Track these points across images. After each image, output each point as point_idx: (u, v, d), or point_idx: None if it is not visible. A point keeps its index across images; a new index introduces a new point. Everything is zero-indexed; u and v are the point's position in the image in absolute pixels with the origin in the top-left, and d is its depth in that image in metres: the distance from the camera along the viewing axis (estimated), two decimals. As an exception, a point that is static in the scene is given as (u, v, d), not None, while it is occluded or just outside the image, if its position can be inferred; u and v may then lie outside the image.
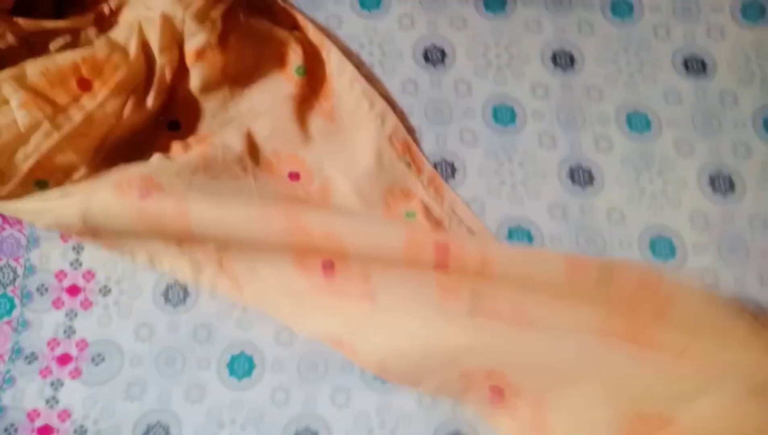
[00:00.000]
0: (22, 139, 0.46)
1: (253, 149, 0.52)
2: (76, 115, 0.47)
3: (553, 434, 0.46)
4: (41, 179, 0.48)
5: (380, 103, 0.53)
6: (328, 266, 0.49)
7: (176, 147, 0.51)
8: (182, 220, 0.46)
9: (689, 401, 0.43)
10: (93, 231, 0.48)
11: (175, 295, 0.49)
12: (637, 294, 0.47)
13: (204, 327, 0.49)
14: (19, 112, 0.45)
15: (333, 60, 0.53)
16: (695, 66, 0.53)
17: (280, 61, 0.53)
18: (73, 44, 0.50)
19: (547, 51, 0.54)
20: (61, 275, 0.50)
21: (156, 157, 0.49)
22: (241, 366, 0.48)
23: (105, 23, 0.51)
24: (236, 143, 0.51)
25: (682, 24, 0.54)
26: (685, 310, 0.46)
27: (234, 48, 0.51)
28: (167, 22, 0.49)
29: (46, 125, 0.46)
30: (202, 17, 0.49)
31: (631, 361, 0.45)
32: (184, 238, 0.48)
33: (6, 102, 0.45)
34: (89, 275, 0.50)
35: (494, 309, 0.47)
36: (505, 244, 0.50)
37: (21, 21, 0.49)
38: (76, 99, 0.47)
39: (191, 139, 0.52)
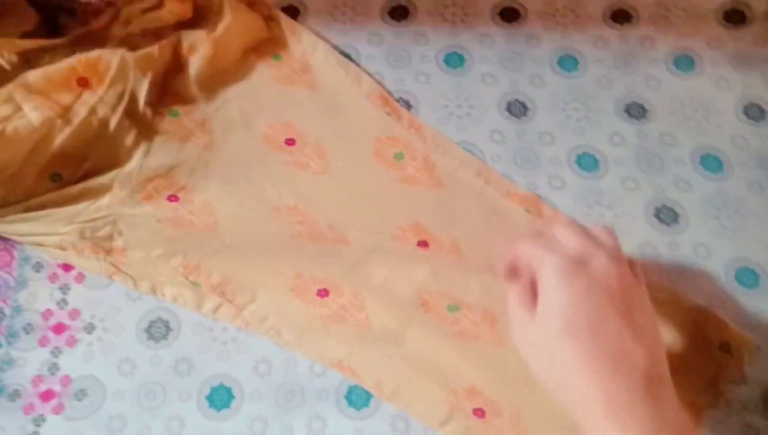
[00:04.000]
0: (37, 133, 0.50)
1: (249, 126, 0.57)
2: (81, 110, 0.52)
3: None
4: (55, 172, 0.52)
5: (354, 69, 0.59)
6: (323, 294, 0.52)
7: (177, 132, 0.56)
8: (210, 218, 0.54)
9: None
10: (106, 247, 0.52)
11: (158, 330, 0.51)
12: None
13: (185, 360, 0.51)
14: (33, 113, 0.50)
15: (305, 40, 0.60)
16: (636, 111, 0.58)
17: (259, 52, 0.60)
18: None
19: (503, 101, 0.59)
20: (47, 314, 0.52)
21: (168, 154, 0.55)
22: (220, 397, 0.50)
23: (98, 38, 0.57)
24: (234, 124, 0.57)
25: (623, 76, 0.60)
26: None
27: (221, 41, 0.56)
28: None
29: (58, 122, 0.51)
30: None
31: None
32: (210, 239, 0.53)
33: (20, 108, 0.50)
34: (75, 314, 0.52)
35: (471, 325, 0.51)
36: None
37: (20, 41, 0.54)
38: (78, 96, 0.53)
39: (189, 123, 0.57)
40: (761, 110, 0.58)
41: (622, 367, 0.37)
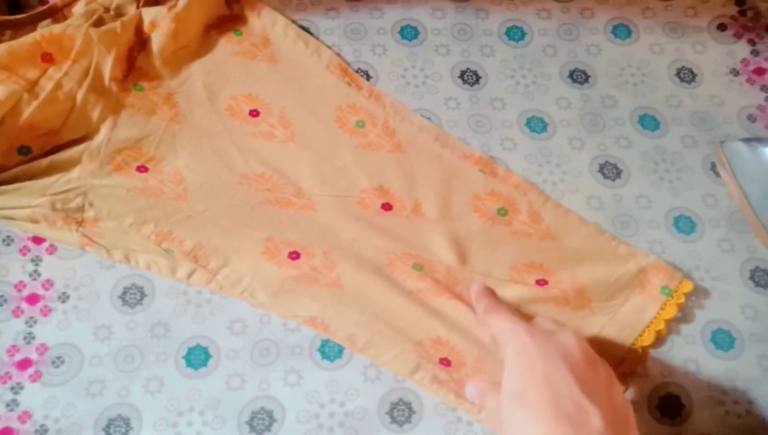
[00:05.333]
0: (4, 107, 0.51)
1: (213, 99, 0.59)
2: (48, 84, 0.53)
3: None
4: (24, 145, 0.53)
5: (313, 42, 0.62)
6: (294, 256, 0.54)
7: (143, 106, 0.57)
8: (180, 187, 0.55)
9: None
10: (77, 218, 0.53)
11: (132, 297, 0.53)
12: (524, 228, 0.56)
13: (161, 324, 0.52)
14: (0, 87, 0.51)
15: (264, 16, 0.62)
16: (579, 77, 0.63)
17: (220, 28, 0.62)
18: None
19: (456, 70, 0.63)
20: (20, 286, 0.52)
21: (135, 126, 0.56)
22: (197, 357, 0.51)
23: (59, 16, 0.58)
24: (198, 97, 0.58)
25: (566, 44, 0.64)
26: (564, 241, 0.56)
27: (182, 18, 0.58)
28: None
29: (25, 95, 0.52)
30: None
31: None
32: (181, 207, 0.55)
33: None
34: (48, 284, 0.53)
35: (434, 282, 0.54)
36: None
37: None
38: (43, 71, 0.53)
39: (155, 97, 0.58)
40: (692, 73, 0.63)
41: (579, 428, 0.38)
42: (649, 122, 0.61)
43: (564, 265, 0.55)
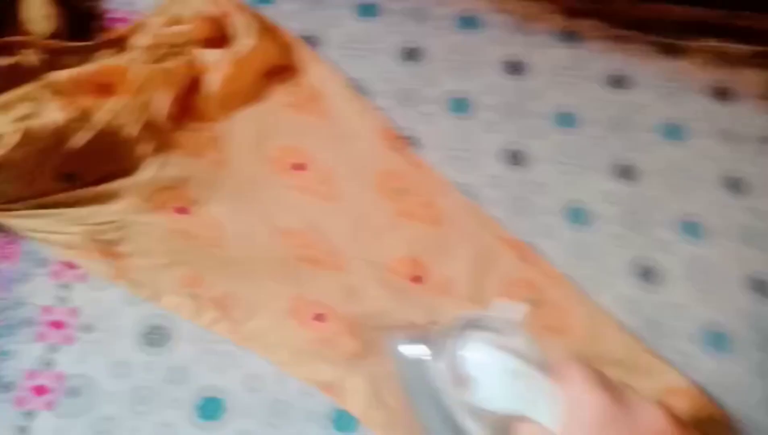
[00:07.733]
0: (57, 133, 0.52)
1: (261, 147, 0.59)
2: (103, 115, 0.54)
3: None
4: (71, 173, 0.54)
5: (365, 102, 0.62)
6: (320, 318, 0.54)
7: (192, 147, 0.58)
8: (217, 233, 0.55)
9: None
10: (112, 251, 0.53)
11: (155, 337, 0.53)
12: (555, 323, 0.55)
13: (179, 369, 0.52)
14: (55, 114, 0.52)
15: (321, 70, 0.63)
16: (627, 173, 0.62)
17: (277, 77, 0.63)
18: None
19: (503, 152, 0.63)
20: (47, 310, 0.53)
21: (181, 167, 0.57)
22: (210, 408, 0.51)
23: (119, 46, 0.59)
24: (246, 143, 0.59)
25: (617, 136, 0.64)
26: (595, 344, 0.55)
27: (242, 63, 0.59)
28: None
29: (78, 124, 0.53)
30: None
31: None
32: (215, 254, 0.55)
33: (43, 107, 0.52)
34: (74, 312, 0.53)
35: None
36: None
37: (46, 41, 0.56)
38: (100, 101, 0.54)
39: (204, 139, 0.59)
40: (742, 183, 0.62)
41: None
42: (692, 229, 0.60)
43: None
